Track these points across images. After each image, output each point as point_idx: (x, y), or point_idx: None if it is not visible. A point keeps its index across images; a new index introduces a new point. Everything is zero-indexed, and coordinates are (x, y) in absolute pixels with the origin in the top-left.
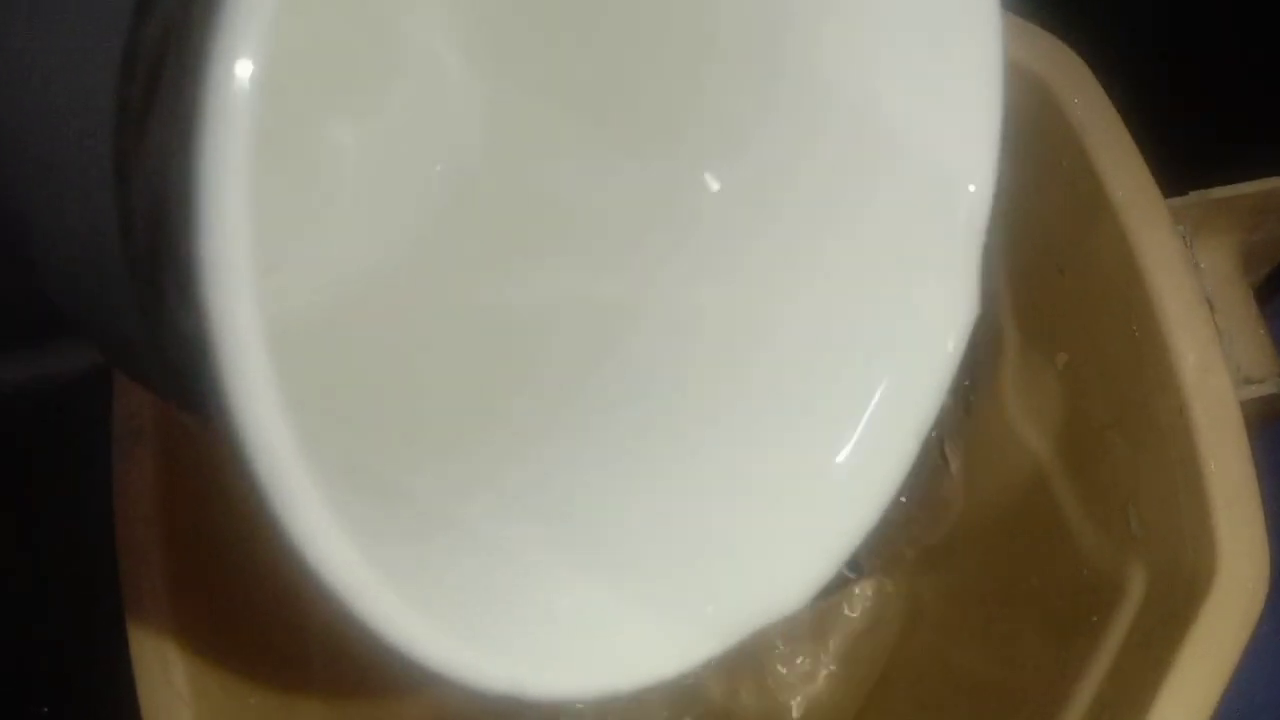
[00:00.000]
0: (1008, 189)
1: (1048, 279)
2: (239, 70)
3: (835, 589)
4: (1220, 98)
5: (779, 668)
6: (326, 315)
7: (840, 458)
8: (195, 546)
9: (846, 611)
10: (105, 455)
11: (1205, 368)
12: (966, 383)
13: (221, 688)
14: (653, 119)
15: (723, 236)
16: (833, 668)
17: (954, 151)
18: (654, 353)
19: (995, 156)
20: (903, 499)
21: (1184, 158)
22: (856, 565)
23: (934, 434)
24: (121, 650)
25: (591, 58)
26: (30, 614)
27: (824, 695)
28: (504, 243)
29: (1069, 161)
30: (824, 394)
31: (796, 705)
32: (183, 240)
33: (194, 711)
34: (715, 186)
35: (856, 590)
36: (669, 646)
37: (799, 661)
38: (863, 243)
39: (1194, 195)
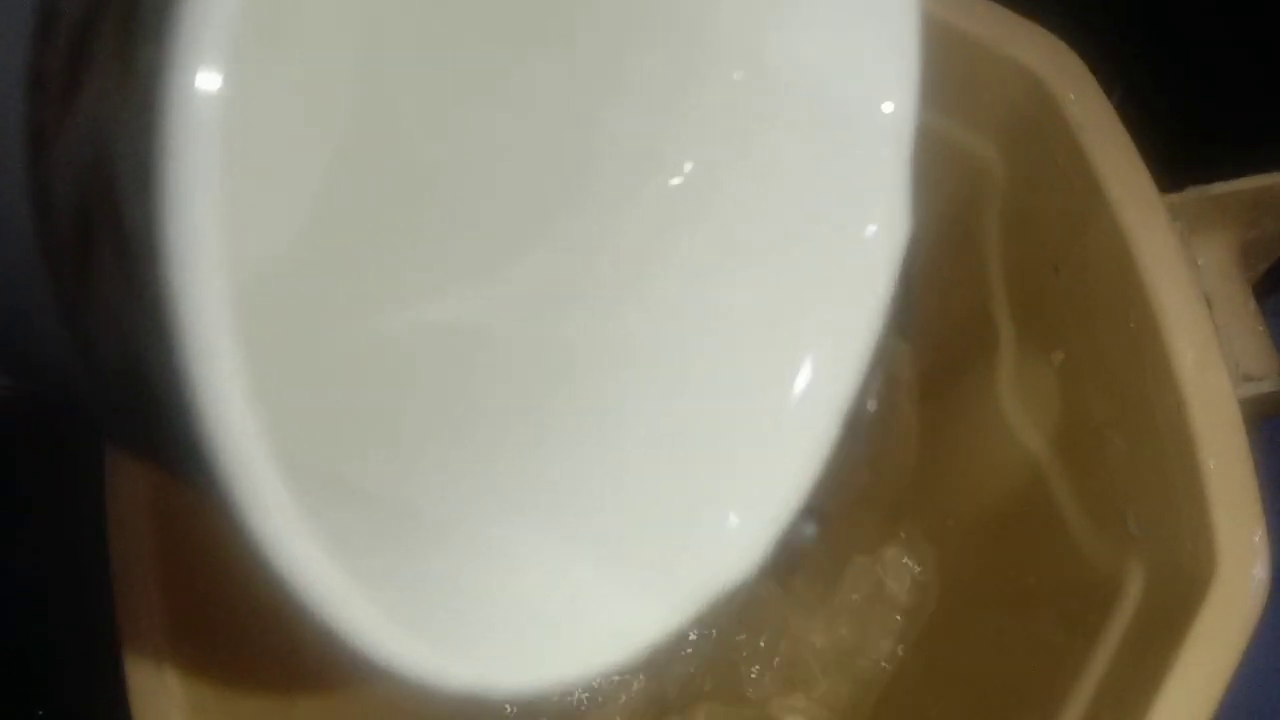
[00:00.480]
0: (1004, 187)
1: (1044, 277)
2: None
3: (796, 547)
4: (1218, 94)
5: (786, 669)
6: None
7: (786, 394)
8: (189, 551)
9: (852, 597)
10: (101, 457)
11: (1203, 365)
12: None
13: (215, 691)
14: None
15: (635, 182)
16: (834, 670)
17: (867, 74)
18: (595, 314)
19: (913, 73)
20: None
21: (1182, 154)
22: (815, 515)
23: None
24: (116, 654)
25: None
26: (25, 617)
27: (831, 695)
28: (434, 230)
29: (1065, 159)
30: (768, 334)
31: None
32: (138, 207)
33: (186, 716)
34: (618, 131)
35: (854, 597)
36: (638, 618)
37: (808, 664)
38: (789, 179)
39: (1191, 191)
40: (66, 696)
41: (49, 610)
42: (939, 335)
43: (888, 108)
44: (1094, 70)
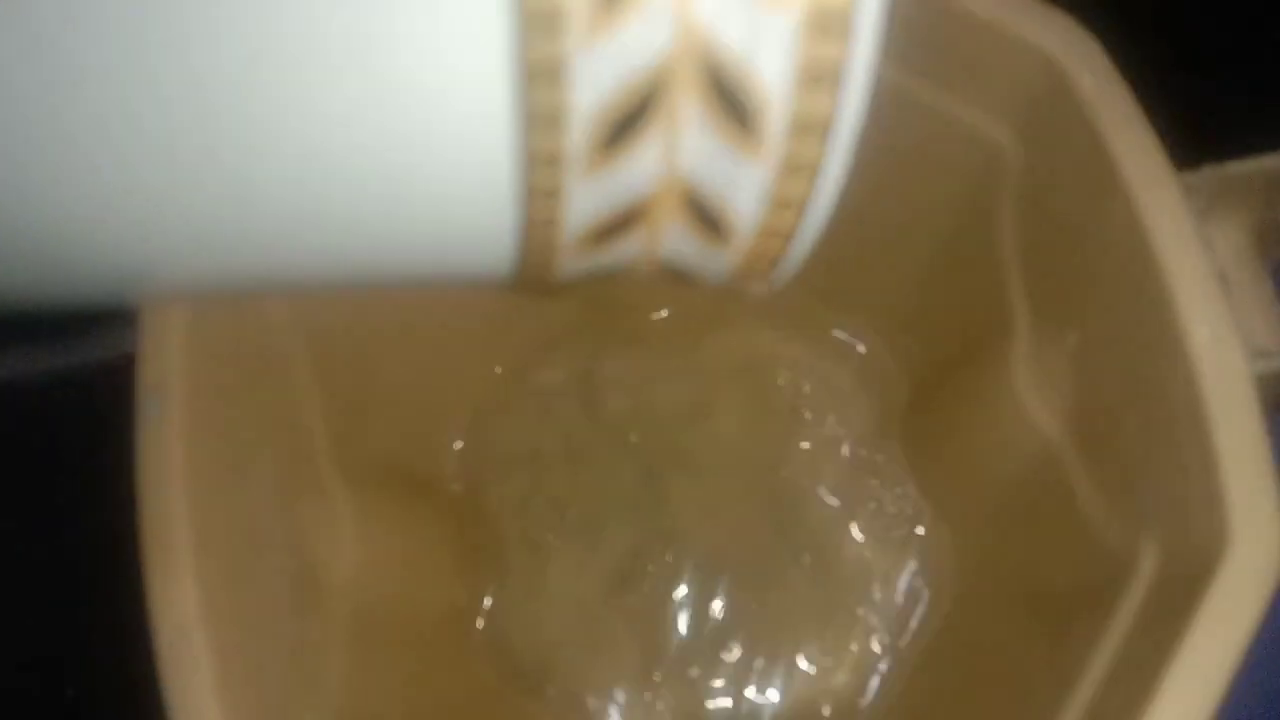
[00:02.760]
0: (1019, 169)
1: (1059, 258)
2: None
3: None
4: (1236, 71)
5: (807, 664)
6: None
7: None
8: (220, 528)
9: (874, 596)
10: (130, 441)
11: (1216, 342)
12: None
13: (243, 658)
14: None
15: None
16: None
17: None
18: None
19: None
20: None
21: (1198, 133)
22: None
23: None
24: (147, 632)
25: None
26: (55, 598)
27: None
28: None
29: (1080, 140)
30: None
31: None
32: None
33: (215, 683)
34: None
35: (875, 586)
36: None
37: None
38: None
39: (1207, 170)
40: (96, 675)
41: (77, 590)
42: (955, 319)
43: None
44: (1109, 51)
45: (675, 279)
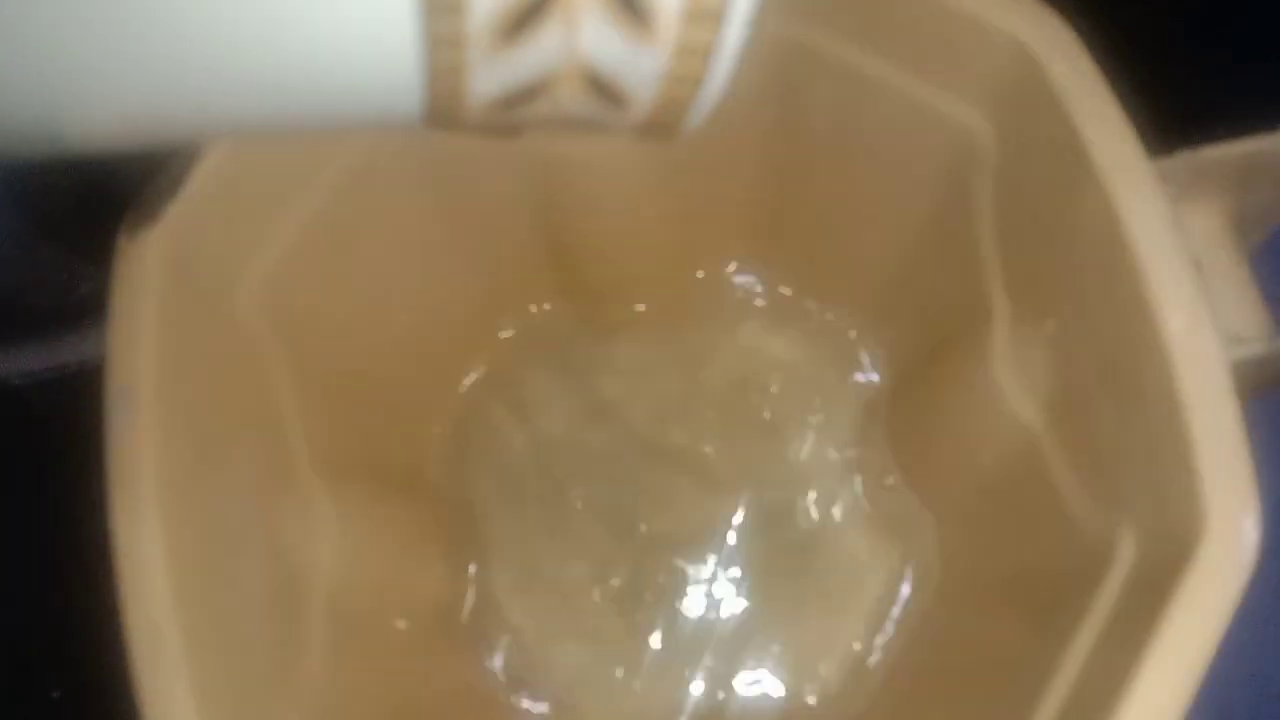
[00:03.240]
0: (994, 157)
1: (1036, 245)
2: None
3: None
4: (1209, 57)
5: (793, 655)
6: None
7: None
8: (194, 516)
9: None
10: (105, 439)
11: (1191, 328)
12: None
13: (222, 661)
14: None
15: None
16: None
17: None
18: None
19: None
20: None
21: (1172, 119)
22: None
23: None
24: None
25: None
26: (42, 598)
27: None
28: None
29: (1054, 127)
30: None
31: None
32: None
33: (189, 684)
34: None
35: (860, 576)
36: None
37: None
38: None
39: (1181, 157)
40: (82, 676)
41: (65, 591)
42: (934, 308)
43: None
44: (1082, 37)
45: (587, 130)
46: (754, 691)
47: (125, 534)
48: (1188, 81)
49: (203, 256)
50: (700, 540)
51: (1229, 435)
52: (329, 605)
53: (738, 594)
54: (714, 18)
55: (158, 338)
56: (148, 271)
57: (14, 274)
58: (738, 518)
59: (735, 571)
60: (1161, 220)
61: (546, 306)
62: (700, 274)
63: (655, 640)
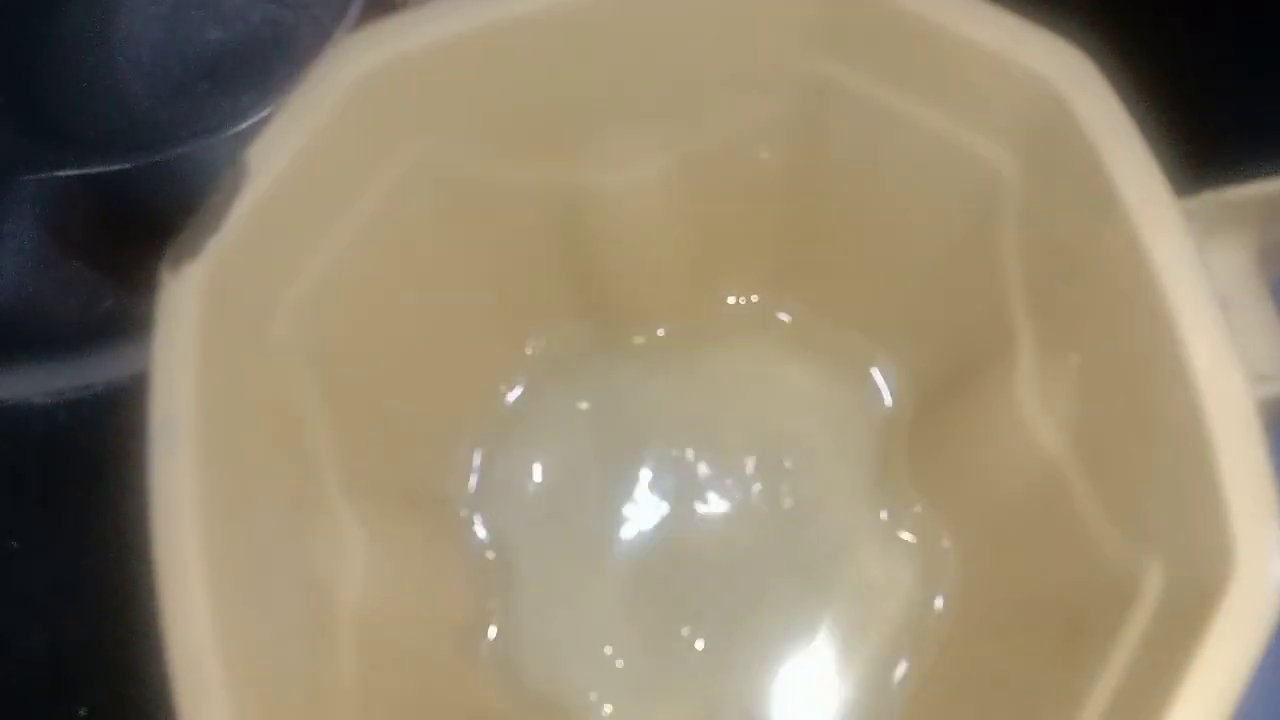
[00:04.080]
0: (1020, 192)
1: (1061, 281)
2: None
3: None
4: (1233, 98)
5: (813, 681)
6: None
7: None
8: (235, 545)
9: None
10: (140, 462)
11: (1218, 367)
12: None
13: (258, 690)
14: None
15: None
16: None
17: None
18: None
19: None
20: None
21: (1196, 159)
22: None
23: None
24: (160, 652)
25: None
26: (70, 616)
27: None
28: None
29: (1080, 165)
30: None
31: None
32: None
33: (228, 712)
34: None
35: (882, 604)
36: None
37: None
38: None
39: (1207, 196)
40: (109, 694)
41: (95, 608)
42: (957, 339)
43: None
44: (1107, 72)
45: None
46: (776, 715)
47: (167, 564)
48: (1212, 120)
49: (240, 289)
50: (723, 566)
51: (1257, 475)
52: (358, 627)
53: (761, 622)
54: None
55: (198, 369)
56: (189, 305)
57: (36, 291)
58: (759, 543)
59: (758, 599)
60: (1189, 258)
61: (571, 331)
62: (721, 300)
63: (683, 665)
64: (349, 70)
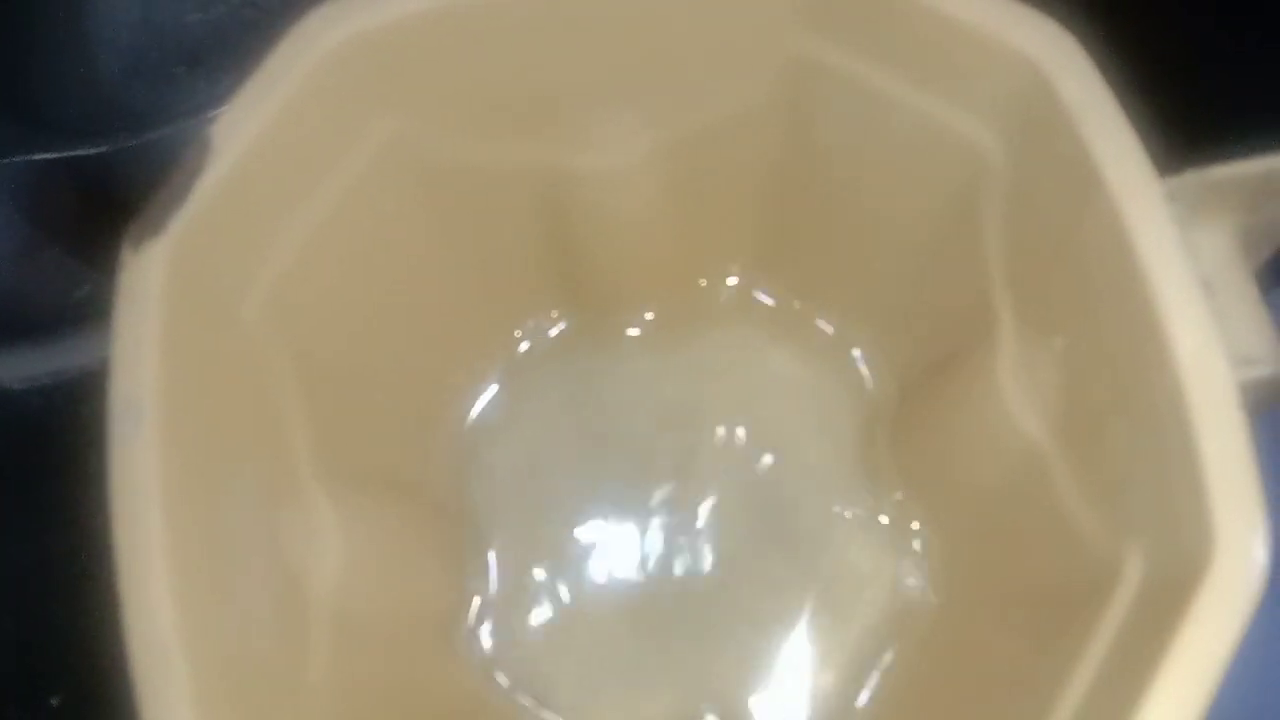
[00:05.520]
0: (1003, 173)
1: (1044, 263)
2: None
3: None
4: (1218, 77)
5: (796, 668)
6: None
7: None
8: (198, 530)
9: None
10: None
11: (1200, 349)
12: None
13: (225, 676)
14: None
15: None
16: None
17: None
18: None
19: None
20: None
21: (1181, 139)
22: None
23: None
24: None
25: None
26: (41, 605)
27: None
28: None
29: (1063, 145)
30: None
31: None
32: None
33: (192, 698)
34: None
35: (865, 590)
36: None
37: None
38: None
39: (1190, 175)
40: (82, 683)
41: (65, 598)
42: (939, 322)
43: None
44: (1091, 51)
45: None
46: (759, 705)
47: (128, 551)
48: (1197, 100)
49: (207, 268)
50: (705, 553)
51: (1239, 459)
52: (332, 616)
53: (743, 607)
54: None
55: (162, 350)
56: (152, 283)
57: (14, 277)
58: (743, 531)
59: (740, 584)
60: (1172, 240)
61: (552, 315)
62: (706, 283)
63: (663, 653)
64: (316, 44)
